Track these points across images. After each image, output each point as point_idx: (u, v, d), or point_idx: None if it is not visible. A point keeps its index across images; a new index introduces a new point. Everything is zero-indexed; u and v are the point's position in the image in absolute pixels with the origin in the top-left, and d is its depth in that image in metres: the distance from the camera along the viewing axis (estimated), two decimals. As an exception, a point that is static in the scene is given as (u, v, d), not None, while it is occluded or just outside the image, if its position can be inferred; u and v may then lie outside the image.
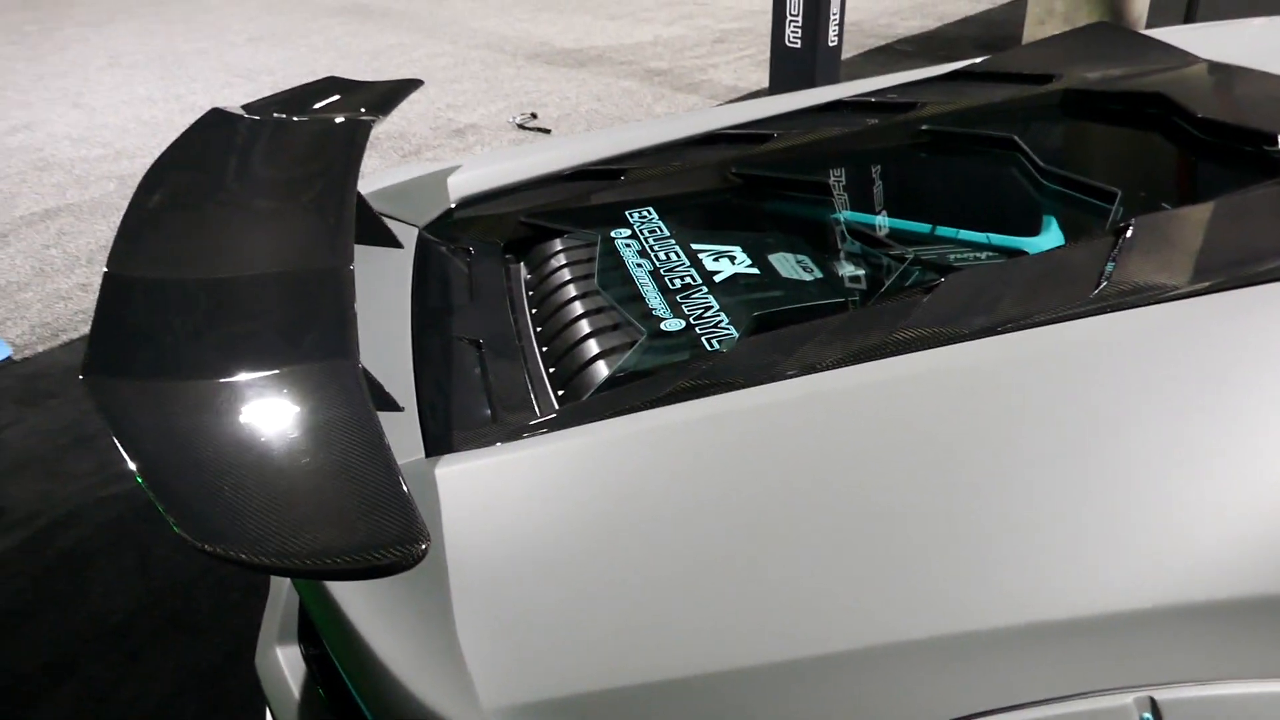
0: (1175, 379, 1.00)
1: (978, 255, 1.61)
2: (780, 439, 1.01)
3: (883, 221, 1.64)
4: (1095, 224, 1.51)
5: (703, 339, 1.28)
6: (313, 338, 1.00)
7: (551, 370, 1.32)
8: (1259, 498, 0.89)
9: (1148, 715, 0.82)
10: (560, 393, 1.27)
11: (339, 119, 1.55)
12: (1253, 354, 1.01)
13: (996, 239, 1.61)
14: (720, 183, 1.74)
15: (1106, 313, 1.08)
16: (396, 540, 0.76)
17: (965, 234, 1.63)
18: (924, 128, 1.83)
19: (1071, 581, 0.85)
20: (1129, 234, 1.22)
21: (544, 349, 1.37)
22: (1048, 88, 1.92)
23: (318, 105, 1.64)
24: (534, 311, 1.46)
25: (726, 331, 1.29)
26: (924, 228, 1.66)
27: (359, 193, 1.47)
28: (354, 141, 1.46)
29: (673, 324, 1.32)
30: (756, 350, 1.16)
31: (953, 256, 1.60)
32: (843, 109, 1.96)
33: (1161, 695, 0.83)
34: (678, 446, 1.02)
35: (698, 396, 1.07)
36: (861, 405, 1.03)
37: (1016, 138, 1.72)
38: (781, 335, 1.19)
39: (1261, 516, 0.88)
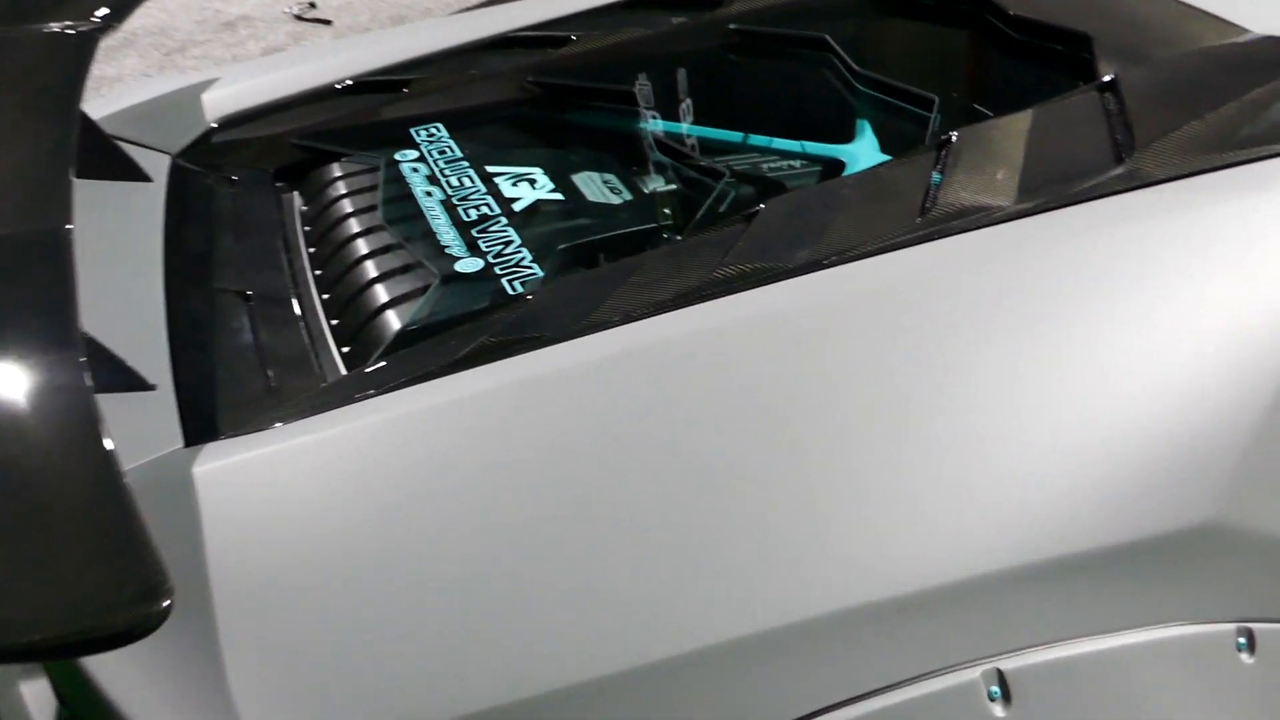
0: (1006, 314, 0.94)
1: (792, 164, 1.54)
2: (597, 409, 0.90)
3: (692, 131, 1.54)
4: (912, 131, 1.45)
5: (504, 280, 1.14)
6: (14, 326, 0.81)
7: (335, 323, 1.16)
8: (1099, 443, 0.85)
9: (995, 689, 0.78)
10: (346, 350, 1.12)
11: (57, 27, 1.30)
12: (1083, 284, 0.96)
13: (811, 147, 1.54)
14: (516, 93, 1.58)
15: (935, 239, 1.01)
16: (129, 599, 0.61)
17: (779, 143, 1.55)
18: (731, 27, 1.72)
19: (905, 555, 0.79)
20: (950, 151, 1.15)
21: (325, 297, 1.21)
22: (860, -19, 1.83)
23: (31, 10, 1.37)
24: (312, 251, 1.29)
25: (530, 271, 1.16)
26: (736, 136, 1.57)
27: (88, 119, 1.25)
28: (76, 57, 1.22)
29: (469, 264, 1.18)
30: (565, 296, 1.04)
31: (767, 167, 1.52)
32: (646, 6, 1.82)
33: (1008, 664, 0.78)
34: (485, 423, 0.89)
35: (504, 356, 0.94)
36: (683, 361, 0.93)
37: (828, 38, 1.63)
38: (592, 277, 1.08)
39: (1099, 462, 0.84)
